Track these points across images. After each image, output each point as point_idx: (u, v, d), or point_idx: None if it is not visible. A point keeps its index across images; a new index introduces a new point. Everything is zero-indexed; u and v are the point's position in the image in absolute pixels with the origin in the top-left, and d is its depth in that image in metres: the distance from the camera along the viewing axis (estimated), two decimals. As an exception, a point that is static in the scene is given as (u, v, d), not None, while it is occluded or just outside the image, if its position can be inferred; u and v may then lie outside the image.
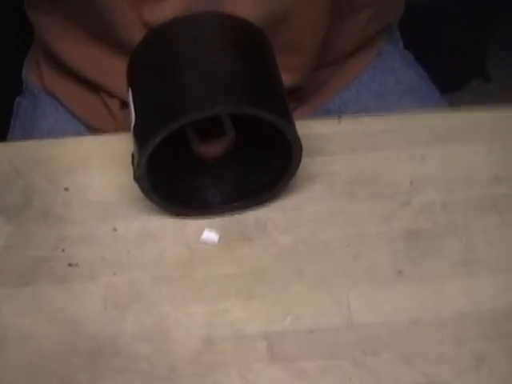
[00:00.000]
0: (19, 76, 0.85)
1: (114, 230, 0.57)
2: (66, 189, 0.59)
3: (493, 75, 1.61)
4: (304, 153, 0.54)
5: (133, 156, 0.53)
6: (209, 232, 0.57)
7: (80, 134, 0.77)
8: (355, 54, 0.78)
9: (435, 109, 0.79)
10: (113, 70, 0.67)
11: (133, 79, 0.55)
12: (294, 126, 0.53)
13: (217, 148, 0.58)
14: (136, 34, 0.58)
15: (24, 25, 0.77)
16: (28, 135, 0.78)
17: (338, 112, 0.78)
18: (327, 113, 0.79)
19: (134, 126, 0.53)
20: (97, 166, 0.60)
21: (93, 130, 0.78)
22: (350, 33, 0.74)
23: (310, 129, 0.61)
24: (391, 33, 0.85)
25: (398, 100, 0.79)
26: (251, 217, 0.58)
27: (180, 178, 0.58)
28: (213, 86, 0.50)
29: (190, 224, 0.58)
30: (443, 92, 0.86)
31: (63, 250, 0.56)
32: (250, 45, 0.55)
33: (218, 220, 0.58)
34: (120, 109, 0.73)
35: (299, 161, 0.55)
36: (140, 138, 0.52)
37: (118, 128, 0.74)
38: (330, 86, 0.79)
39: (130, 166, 0.53)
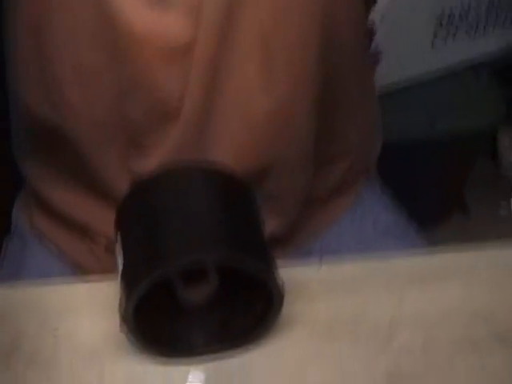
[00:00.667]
0: (9, 213, 0.87)
1: (101, 375, 0.57)
2: (55, 333, 0.60)
3: (472, 209, 1.63)
4: (285, 296, 0.56)
5: (120, 300, 0.55)
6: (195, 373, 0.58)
7: (67, 274, 0.79)
8: (335, 198, 0.81)
9: (412, 248, 0.81)
10: (101, 216, 0.70)
11: (121, 228, 0.57)
12: (275, 275, 0.55)
13: (201, 293, 0.59)
14: (123, 183, 0.61)
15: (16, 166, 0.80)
16: (17, 275, 0.79)
17: (320, 253, 0.80)
18: (308, 254, 0.81)
19: (122, 271, 0.55)
20: (85, 311, 0.61)
21: (80, 270, 0.79)
22: (330, 178, 0.77)
23: (290, 274, 0.63)
24: (369, 174, 0.88)
25: (376, 241, 0.81)
26: (235, 360, 0.59)
27: (165, 320, 0.59)
28: (197, 237, 0.53)
29: (176, 368, 0.58)
30: (423, 228, 0.88)
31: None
32: (232, 195, 0.58)
33: (203, 364, 0.58)
34: (105, 252, 0.75)
35: (280, 307, 0.56)
36: (127, 285, 0.53)
37: (104, 270, 0.75)
38: (311, 229, 0.81)
39: (117, 312, 0.55)
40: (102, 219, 0.71)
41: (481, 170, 1.59)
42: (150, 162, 0.65)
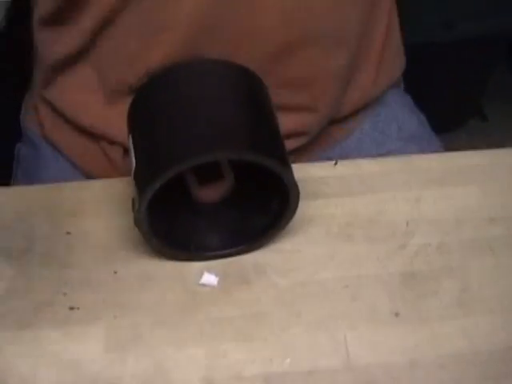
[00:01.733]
0: (17, 118, 0.85)
1: (115, 273, 0.58)
2: (68, 233, 0.60)
3: (490, 114, 1.62)
4: (301, 196, 0.55)
5: (133, 200, 0.54)
6: (208, 275, 0.58)
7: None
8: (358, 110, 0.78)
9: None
10: (112, 118, 0.69)
11: (133, 125, 0.56)
12: (291, 171, 0.54)
13: (215, 192, 0.59)
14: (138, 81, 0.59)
15: (22, 68, 0.78)
16: (30, 183, 0.78)
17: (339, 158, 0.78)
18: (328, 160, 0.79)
19: (135, 171, 0.54)
20: (98, 211, 0.61)
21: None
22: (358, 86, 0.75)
23: (306, 172, 0.62)
24: (395, 82, 0.85)
25: (400, 148, 0.79)
26: (250, 259, 0.59)
27: (179, 221, 0.59)
28: (212, 132, 0.51)
29: (190, 267, 0.58)
30: (440, 132, 0.87)
31: (65, 294, 0.56)
32: (247, 91, 0.56)
33: (217, 263, 0.59)
34: (122, 157, 0.73)
35: (297, 205, 0.56)
36: (140, 183, 0.53)
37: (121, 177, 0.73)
38: (331, 135, 0.78)
39: (131, 210, 0.54)
40: (115, 122, 0.70)
41: (499, 76, 1.57)
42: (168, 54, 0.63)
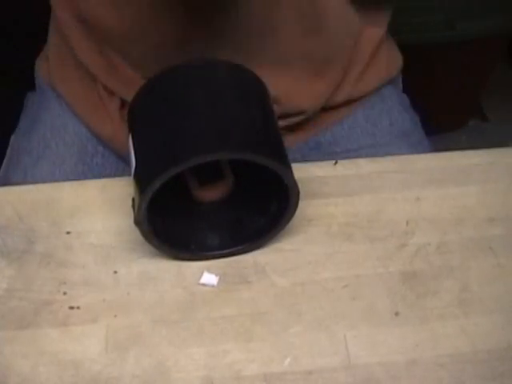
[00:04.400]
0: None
1: (115, 272, 0.58)
2: (68, 232, 0.60)
3: (490, 114, 1.62)
4: (301, 196, 0.55)
5: (133, 200, 0.54)
6: (208, 274, 0.58)
7: (80, 133, 0.79)
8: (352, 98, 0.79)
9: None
10: (117, 69, 0.71)
11: (133, 124, 0.56)
12: (291, 171, 0.54)
13: (215, 192, 0.59)
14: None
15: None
16: (31, 127, 0.81)
17: (329, 146, 0.79)
18: (318, 145, 0.80)
19: (135, 170, 0.54)
20: (98, 211, 0.61)
21: (92, 131, 0.79)
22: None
23: (306, 172, 0.62)
24: (392, 76, 0.86)
25: (389, 143, 0.79)
26: (250, 259, 0.59)
27: (179, 221, 0.59)
28: (212, 132, 0.51)
29: (190, 267, 0.58)
30: (440, 132, 0.87)
31: (64, 293, 0.57)
32: (247, 91, 0.56)
33: (217, 262, 0.59)
34: (119, 109, 0.76)
35: (296, 204, 0.56)
36: (140, 183, 0.53)
37: (116, 130, 0.76)
38: (322, 119, 0.80)
39: (131, 210, 0.54)
40: (118, 74, 0.73)
41: (500, 75, 1.57)
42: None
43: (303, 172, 0.58)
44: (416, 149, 0.79)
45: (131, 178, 0.54)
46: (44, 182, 0.71)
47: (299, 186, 0.54)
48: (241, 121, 0.53)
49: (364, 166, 0.64)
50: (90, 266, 0.58)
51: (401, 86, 0.87)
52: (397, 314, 0.56)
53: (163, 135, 0.53)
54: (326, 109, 0.78)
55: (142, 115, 0.56)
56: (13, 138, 0.84)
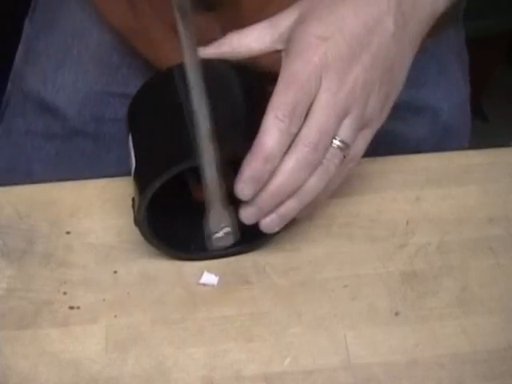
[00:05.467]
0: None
1: (115, 272, 0.58)
2: (68, 232, 0.60)
3: (490, 115, 1.62)
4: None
5: (133, 200, 0.54)
6: (208, 274, 0.58)
7: (105, 42, 0.75)
8: None
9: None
10: None
11: (133, 125, 0.56)
12: None
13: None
14: None
15: None
16: (48, 30, 0.76)
17: None
18: None
19: (135, 170, 0.54)
20: (98, 211, 0.61)
21: (113, 27, 0.73)
22: None
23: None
24: None
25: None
26: (250, 259, 0.59)
27: (179, 221, 0.59)
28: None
29: (190, 266, 0.58)
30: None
31: (65, 293, 0.57)
32: (247, 90, 0.56)
33: (217, 262, 0.59)
34: (149, 9, 0.70)
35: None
36: (140, 183, 0.53)
37: (145, 29, 0.70)
38: None
39: (131, 210, 0.54)
40: None
41: (500, 75, 1.57)
42: None
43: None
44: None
45: (131, 178, 0.54)
46: (65, 90, 0.69)
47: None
48: (240, 120, 0.53)
49: (364, 166, 0.64)
50: (90, 265, 0.58)
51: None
52: (397, 313, 0.56)
53: (162, 135, 0.53)
54: None
55: (141, 115, 0.56)
56: (26, 22, 0.78)
